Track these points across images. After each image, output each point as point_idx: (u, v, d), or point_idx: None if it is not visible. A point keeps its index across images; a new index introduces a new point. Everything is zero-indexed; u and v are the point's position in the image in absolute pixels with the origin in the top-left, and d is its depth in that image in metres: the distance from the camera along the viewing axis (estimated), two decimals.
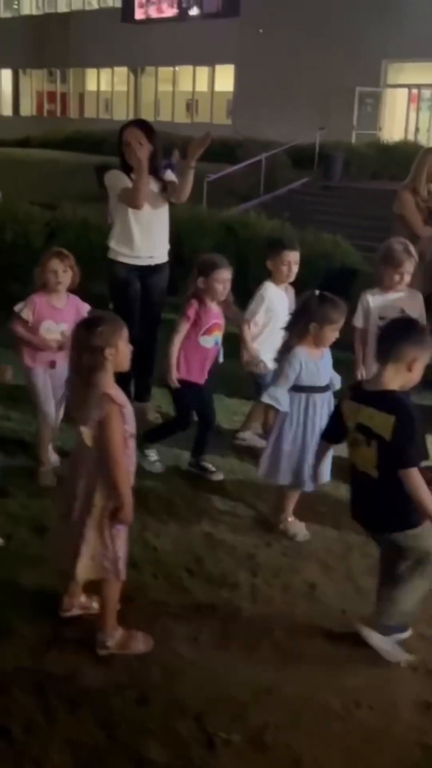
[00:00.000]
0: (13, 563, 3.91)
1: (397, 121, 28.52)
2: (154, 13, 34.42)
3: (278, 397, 4.16)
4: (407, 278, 5.03)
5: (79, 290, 4.87)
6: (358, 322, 5.06)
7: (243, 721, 2.99)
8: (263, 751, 2.88)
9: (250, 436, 5.46)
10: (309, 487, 4.28)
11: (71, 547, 3.26)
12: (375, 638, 3.41)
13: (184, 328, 4.77)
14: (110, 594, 3.32)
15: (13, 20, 41.55)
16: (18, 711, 2.99)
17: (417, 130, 27.93)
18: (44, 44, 38.91)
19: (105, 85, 38.84)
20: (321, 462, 3.98)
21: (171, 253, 5.79)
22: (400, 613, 3.42)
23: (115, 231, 5.63)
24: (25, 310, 4.70)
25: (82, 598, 3.54)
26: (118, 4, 35.68)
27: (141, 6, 34.58)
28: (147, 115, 30.54)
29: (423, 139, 25.77)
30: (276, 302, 5.15)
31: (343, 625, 3.57)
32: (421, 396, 5.41)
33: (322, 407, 4.21)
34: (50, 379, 4.79)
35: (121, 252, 5.61)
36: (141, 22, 34.63)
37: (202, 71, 34.26)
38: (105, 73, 38.50)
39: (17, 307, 4.71)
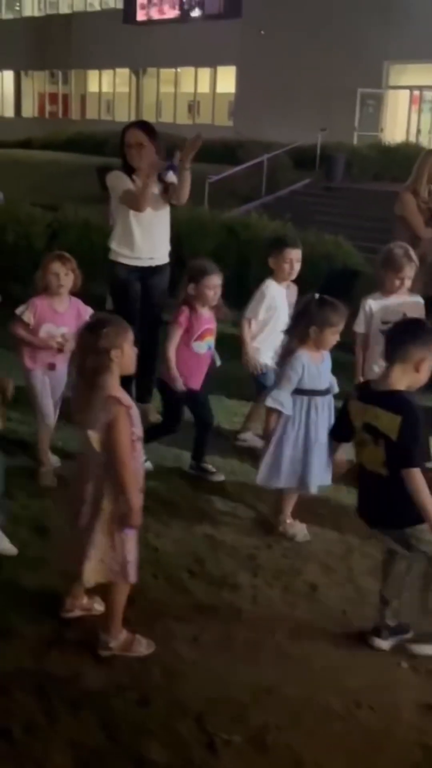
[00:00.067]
0: (14, 564, 3.92)
1: (399, 122, 28.54)
2: (155, 15, 34.44)
3: (282, 400, 4.16)
4: (408, 283, 5.04)
5: (80, 291, 4.88)
6: (360, 327, 5.06)
7: (244, 722, 2.99)
8: (264, 752, 2.88)
9: (251, 437, 5.46)
10: (313, 489, 4.29)
11: (79, 550, 3.23)
12: (377, 640, 3.42)
13: (176, 335, 4.80)
14: (117, 597, 3.31)
15: (14, 22, 41.60)
16: (19, 712, 3.00)
17: (418, 131, 27.93)
18: (46, 45, 38.95)
19: (107, 86, 38.88)
20: (333, 457, 4.05)
21: (172, 254, 5.81)
22: (402, 614, 3.42)
23: (116, 232, 5.65)
24: (26, 312, 4.72)
25: (84, 600, 3.54)
26: (120, 5, 35.72)
27: (143, 7, 34.61)
28: (149, 117, 30.60)
29: (424, 141, 25.76)
30: (277, 300, 5.17)
31: (344, 625, 3.58)
32: (425, 397, 5.40)
33: (323, 410, 4.22)
34: (49, 381, 4.83)
35: (121, 253, 5.62)
36: (142, 23, 34.66)
37: (204, 72, 34.29)
38: (107, 74, 38.54)
39: (18, 310, 4.74)
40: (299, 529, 4.35)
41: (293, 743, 2.91)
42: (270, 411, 4.23)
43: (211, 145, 23.44)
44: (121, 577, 3.24)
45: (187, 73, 35.09)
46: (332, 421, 4.19)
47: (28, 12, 41.76)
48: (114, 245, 5.66)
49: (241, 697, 3.11)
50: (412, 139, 26.66)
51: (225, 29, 30.79)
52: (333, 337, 4.14)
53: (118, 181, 5.50)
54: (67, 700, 3.05)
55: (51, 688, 3.11)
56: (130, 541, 3.23)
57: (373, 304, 5.05)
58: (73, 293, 4.84)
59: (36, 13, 41.26)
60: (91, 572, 3.22)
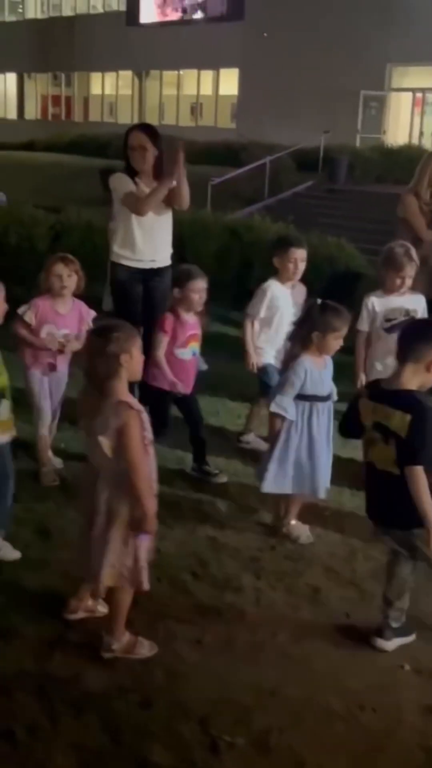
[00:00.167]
0: (17, 565, 3.92)
1: (402, 124, 28.53)
2: (158, 17, 34.46)
3: (285, 405, 4.16)
4: (408, 282, 5.05)
5: (83, 293, 4.89)
6: (363, 326, 5.06)
7: (246, 724, 2.99)
8: (267, 754, 2.88)
9: (254, 439, 5.46)
10: (322, 494, 4.29)
11: (96, 555, 3.19)
12: (379, 641, 3.43)
13: (164, 342, 4.83)
14: (123, 600, 3.30)
15: (17, 24, 41.64)
16: (21, 713, 3.00)
17: (421, 133, 27.90)
18: (49, 48, 38.97)
19: (109, 88, 38.90)
20: None
21: (175, 256, 5.81)
22: (405, 615, 3.42)
23: (118, 234, 5.66)
24: (28, 312, 4.73)
25: (89, 602, 3.53)
26: (123, 7, 35.76)
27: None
28: (151, 119, 30.58)
29: (427, 143, 25.73)
30: (280, 299, 5.17)
31: (347, 628, 3.57)
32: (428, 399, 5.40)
33: (323, 416, 4.23)
34: (50, 382, 4.84)
35: (123, 255, 5.63)
36: (145, 25, 34.68)
37: (207, 75, 34.30)
38: (109, 76, 38.56)
39: (21, 310, 4.74)
40: (303, 531, 4.35)
41: (295, 745, 2.91)
42: (273, 416, 4.23)
43: (214, 147, 23.55)
44: (133, 584, 3.23)
45: (189, 75, 35.09)
46: (331, 426, 4.20)
47: (30, 14, 41.80)
48: (116, 247, 5.67)
49: (244, 699, 3.11)
50: (415, 141, 26.63)
51: (228, 31, 30.80)
52: (336, 342, 4.14)
53: (121, 184, 5.52)
54: (70, 701, 3.05)
55: (53, 689, 3.11)
56: (143, 547, 3.21)
57: (376, 301, 5.05)
58: (76, 295, 4.85)
59: (39, 16, 41.29)
60: (108, 578, 3.19)
